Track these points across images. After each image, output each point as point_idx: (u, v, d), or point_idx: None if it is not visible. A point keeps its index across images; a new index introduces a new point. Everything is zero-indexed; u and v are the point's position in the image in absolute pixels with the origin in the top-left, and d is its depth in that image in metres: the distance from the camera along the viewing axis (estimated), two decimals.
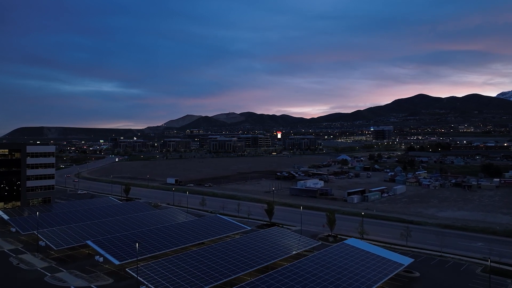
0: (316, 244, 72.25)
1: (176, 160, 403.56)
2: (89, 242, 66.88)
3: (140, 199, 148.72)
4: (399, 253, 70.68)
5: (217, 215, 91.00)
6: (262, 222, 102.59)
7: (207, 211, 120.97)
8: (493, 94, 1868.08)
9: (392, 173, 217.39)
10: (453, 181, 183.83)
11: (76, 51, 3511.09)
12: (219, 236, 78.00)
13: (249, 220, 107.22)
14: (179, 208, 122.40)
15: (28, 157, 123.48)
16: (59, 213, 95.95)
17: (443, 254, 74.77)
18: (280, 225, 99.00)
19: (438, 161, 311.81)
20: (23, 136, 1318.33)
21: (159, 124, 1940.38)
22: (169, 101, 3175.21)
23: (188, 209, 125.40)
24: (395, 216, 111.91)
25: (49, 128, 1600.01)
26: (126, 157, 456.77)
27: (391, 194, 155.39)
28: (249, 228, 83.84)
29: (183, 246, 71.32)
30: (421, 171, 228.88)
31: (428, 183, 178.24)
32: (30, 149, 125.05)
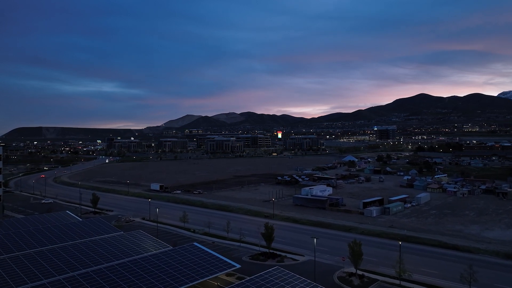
0: None
1: (170, 162, 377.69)
2: None
3: (111, 211, 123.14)
4: None
5: (195, 244, 65.15)
6: (258, 249, 76.89)
7: (189, 230, 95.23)
8: (494, 93, 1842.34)
9: (409, 177, 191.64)
10: (483, 187, 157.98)
11: (77, 52, 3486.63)
12: (194, 283, 52.37)
13: (242, 244, 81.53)
14: (154, 224, 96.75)
15: None
16: None
17: None
18: (283, 255, 73.31)
19: (453, 163, 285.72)
20: (21, 136, 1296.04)
21: (159, 124, 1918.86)
22: (169, 101, 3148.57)
23: (164, 226, 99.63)
24: (432, 238, 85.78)
25: (47, 128, 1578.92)
26: (118, 158, 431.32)
27: (414, 203, 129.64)
28: (238, 266, 58.27)
29: None
30: (440, 174, 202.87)
31: (454, 190, 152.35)
32: None
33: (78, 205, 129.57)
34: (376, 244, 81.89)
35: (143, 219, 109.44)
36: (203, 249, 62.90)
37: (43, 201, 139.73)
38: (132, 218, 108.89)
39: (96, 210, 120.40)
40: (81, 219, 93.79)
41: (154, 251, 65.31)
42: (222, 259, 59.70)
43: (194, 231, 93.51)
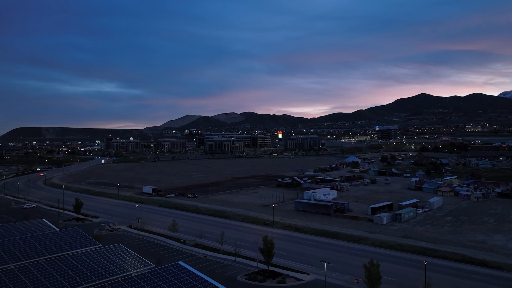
0: None
1: (168, 162, 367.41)
2: None
3: (97, 217, 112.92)
4: None
5: (180, 263, 55.02)
6: (256, 266, 66.72)
7: (178, 241, 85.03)
8: (495, 93, 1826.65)
9: (417, 179, 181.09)
10: (498, 190, 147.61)
11: (77, 52, 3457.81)
12: None
13: (237, 259, 71.39)
14: (141, 233, 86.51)
15: None
16: None
17: None
18: (284, 273, 63.10)
19: (460, 163, 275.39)
20: (20, 137, 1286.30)
21: (159, 125, 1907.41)
22: (169, 101, 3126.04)
23: (151, 236, 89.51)
24: (455, 251, 75.32)
25: (47, 129, 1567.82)
26: (114, 158, 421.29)
27: (426, 209, 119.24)
28: None
29: None
30: (449, 176, 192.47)
31: (468, 193, 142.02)
32: None
33: (62, 210, 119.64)
34: (391, 259, 71.66)
35: (130, 227, 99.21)
36: (190, 271, 52.49)
37: (25, 206, 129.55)
38: (117, 226, 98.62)
39: (79, 216, 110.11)
40: (57, 229, 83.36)
41: (132, 271, 55.03)
42: (212, 284, 49.35)
43: (184, 242, 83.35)
